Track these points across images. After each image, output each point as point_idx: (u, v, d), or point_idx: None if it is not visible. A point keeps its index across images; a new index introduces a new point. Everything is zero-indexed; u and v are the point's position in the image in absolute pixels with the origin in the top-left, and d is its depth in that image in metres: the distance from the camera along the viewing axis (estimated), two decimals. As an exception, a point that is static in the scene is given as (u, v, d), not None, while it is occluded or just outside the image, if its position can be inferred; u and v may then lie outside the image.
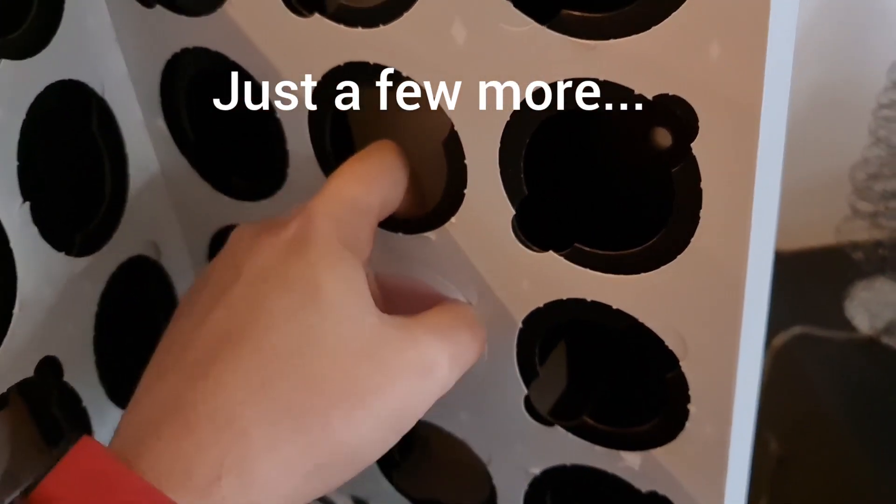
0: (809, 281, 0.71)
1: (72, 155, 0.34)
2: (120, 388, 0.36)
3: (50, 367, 0.32)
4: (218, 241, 0.36)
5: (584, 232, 0.26)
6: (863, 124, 0.64)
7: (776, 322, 0.66)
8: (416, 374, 0.25)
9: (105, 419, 0.35)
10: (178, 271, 0.38)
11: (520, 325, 0.29)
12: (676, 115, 0.22)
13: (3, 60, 0.29)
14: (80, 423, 0.34)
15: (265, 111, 0.30)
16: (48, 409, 0.34)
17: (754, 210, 0.23)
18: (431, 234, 0.29)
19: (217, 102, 0.32)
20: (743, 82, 0.21)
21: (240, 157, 0.34)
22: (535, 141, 0.25)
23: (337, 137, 0.30)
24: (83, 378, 0.34)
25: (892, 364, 0.63)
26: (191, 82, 0.33)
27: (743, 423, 0.27)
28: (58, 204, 0.33)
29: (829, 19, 0.70)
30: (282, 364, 0.24)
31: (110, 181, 0.34)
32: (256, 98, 0.30)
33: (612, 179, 0.28)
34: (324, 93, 0.28)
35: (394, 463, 0.38)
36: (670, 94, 0.22)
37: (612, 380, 0.31)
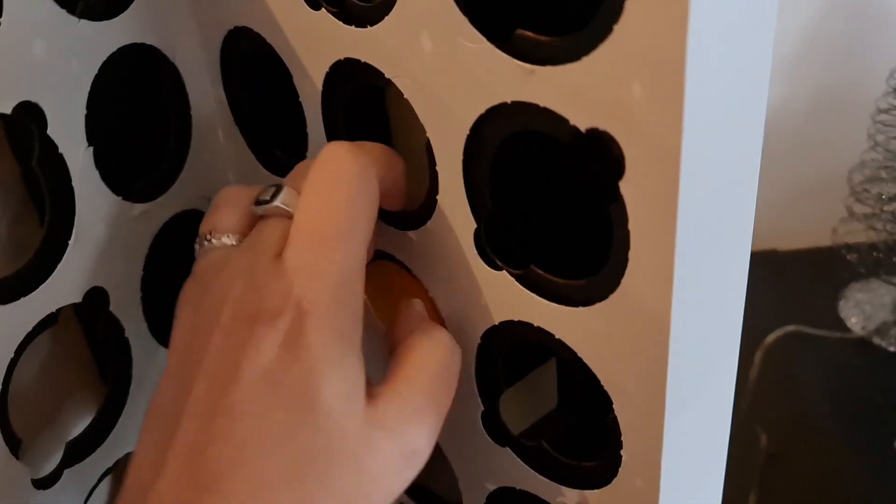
0: (804, 281, 0.73)
1: (140, 111, 0.37)
2: (161, 326, 0.39)
3: (97, 297, 0.36)
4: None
5: (543, 256, 0.26)
6: (861, 128, 0.64)
7: (770, 320, 0.66)
8: (401, 464, 0.26)
9: (146, 351, 0.39)
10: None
11: (479, 340, 0.29)
12: (606, 150, 0.22)
13: (83, 21, 0.33)
14: (122, 351, 0.38)
15: (294, 95, 0.32)
16: (95, 333, 0.38)
17: (677, 261, 0.22)
18: (413, 234, 0.29)
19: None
20: (664, 125, 0.20)
21: (280, 135, 0.36)
22: (502, 157, 0.25)
23: (352, 127, 0.31)
24: (128, 311, 0.38)
25: (883, 364, 0.63)
26: (248, 58, 0.35)
27: (684, 480, 0.26)
28: (122, 153, 0.37)
29: (830, 26, 0.69)
30: (281, 491, 0.24)
31: (174, 140, 0.38)
32: (288, 81, 0.32)
33: (575, 206, 0.28)
34: (332, 84, 0.30)
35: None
36: (600, 129, 0.21)
37: (569, 409, 0.31)
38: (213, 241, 0.29)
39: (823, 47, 0.70)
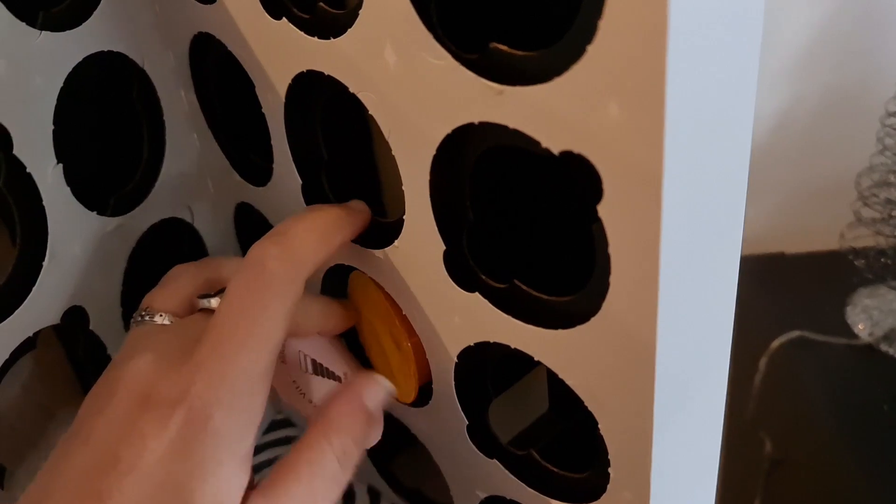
0: (811, 285, 0.71)
1: (110, 122, 0.36)
2: (144, 341, 0.38)
3: (76, 316, 0.35)
4: (239, 214, 0.38)
5: (521, 275, 0.25)
6: (870, 132, 0.62)
7: (775, 325, 0.65)
8: None
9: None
10: (211, 233, 0.40)
11: (455, 359, 0.28)
12: (581, 174, 0.20)
13: (44, 32, 0.31)
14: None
15: (258, 105, 0.31)
16: (77, 354, 0.37)
17: (661, 282, 0.20)
18: (379, 253, 0.28)
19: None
20: (643, 147, 0.19)
21: (251, 142, 0.35)
22: (478, 172, 0.24)
23: (329, 137, 0.30)
24: (109, 328, 0.37)
25: (889, 371, 0.62)
26: (216, 63, 0.34)
27: (673, 493, 0.25)
28: (94, 167, 0.35)
29: (839, 28, 0.67)
30: None
31: (147, 147, 0.36)
32: (251, 91, 0.31)
33: (552, 225, 0.26)
34: (295, 97, 0.28)
35: (387, 453, 0.38)
36: (574, 151, 0.20)
37: (553, 422, 0.30)
38: (146, 317, 0.29)
39: (832, 50, 0.68)
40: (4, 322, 0.31)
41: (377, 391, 0.30)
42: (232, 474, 0.25)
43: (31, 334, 0.33)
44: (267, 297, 0.26)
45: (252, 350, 0.25)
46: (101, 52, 0.34)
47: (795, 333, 0.63)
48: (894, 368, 0.62)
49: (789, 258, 0.73)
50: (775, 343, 0.62)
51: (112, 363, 0.28)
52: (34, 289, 0.33)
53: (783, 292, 0.68)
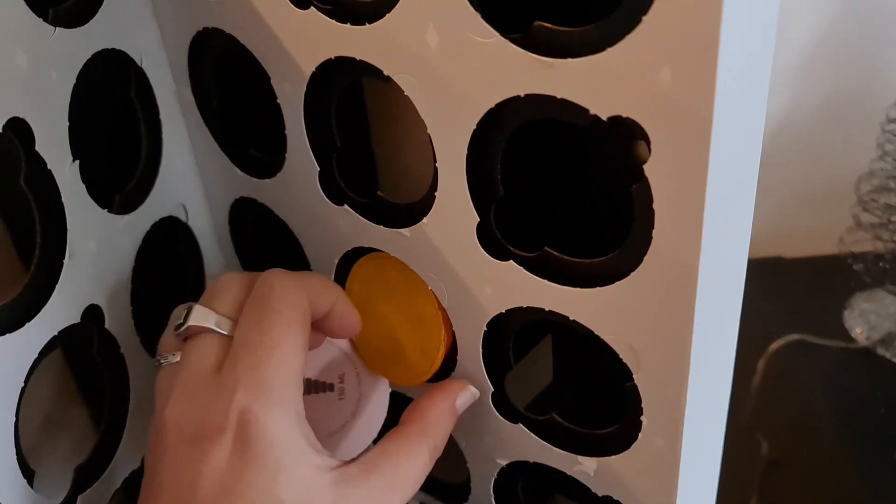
0: (809, 289, 0.70)
1: (113, 119, 0.35)
2: (152, 338, 0.37)
3: (94, 315, 0.34)
4: (236, 210, 0.37)
5: (551, 242, 0.26)
6: (871, 137, 0.61)
7: (773, 328, 0.64)
8: None
9: (140, 366, 0.37)
10: (205, 233, 0.39)
11: (484, 328, 0.28)
12: (630, 136, 0.21)
13: (57, 28, 0.30)
14: (119, 368, 0.36)
15: (270, 96, 0.30)
16: (90, 354, 0.36)
17: (704, 238, 0.21)
18: (406, 231, 0.29)
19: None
20: (694, 110, 0.20)
21: (254, 135, 0.34)
22: (506, 149, 0.25)
23: (339, 128, 0.30)
24: (121, 326, 0.36)
25: (886, 375, 0.62)
26: (217, 59, 0.33)
27: (698, 438, 0.26)
28: (101, 164, 0.34)
29: (842, 32, 0.67)
30: None
31: (146, 146, 0.35)
32: (263, 82, 0.30)
33: (582, 192, 0.27)
34: (318, 84, 0.28)
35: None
36: (623, 115, 0.21)
37: (579, 381, 0.31)
38: (162, 361, 0.30)
39: (833, 55, 0.67)
40: (33, 320, 0.30)
41: (468, 397, 0.31)
42: (305, 463, 0.26)
43: (56, 332, 0.32)
44: (278, 308, 0.27)
45: (275, 352, 0.26)
46: (106, 50, 0.33)
47: (794, 336, 0.63)
48: (891, 372, 0.62)
49: (788, 262, 0.72)
50: (773, 346, 0.62)
51: (158, 407, 0.29)
52: (57, 286, 0.31)
53: (782, 295, 0.67)
